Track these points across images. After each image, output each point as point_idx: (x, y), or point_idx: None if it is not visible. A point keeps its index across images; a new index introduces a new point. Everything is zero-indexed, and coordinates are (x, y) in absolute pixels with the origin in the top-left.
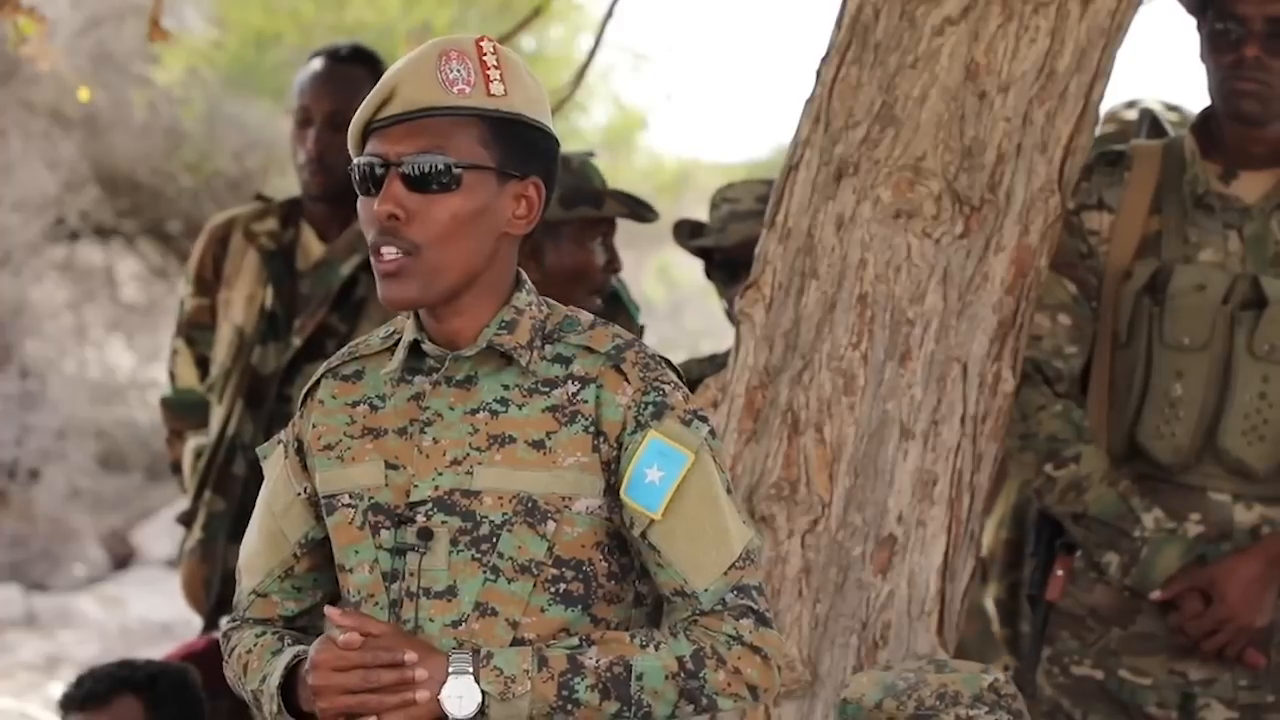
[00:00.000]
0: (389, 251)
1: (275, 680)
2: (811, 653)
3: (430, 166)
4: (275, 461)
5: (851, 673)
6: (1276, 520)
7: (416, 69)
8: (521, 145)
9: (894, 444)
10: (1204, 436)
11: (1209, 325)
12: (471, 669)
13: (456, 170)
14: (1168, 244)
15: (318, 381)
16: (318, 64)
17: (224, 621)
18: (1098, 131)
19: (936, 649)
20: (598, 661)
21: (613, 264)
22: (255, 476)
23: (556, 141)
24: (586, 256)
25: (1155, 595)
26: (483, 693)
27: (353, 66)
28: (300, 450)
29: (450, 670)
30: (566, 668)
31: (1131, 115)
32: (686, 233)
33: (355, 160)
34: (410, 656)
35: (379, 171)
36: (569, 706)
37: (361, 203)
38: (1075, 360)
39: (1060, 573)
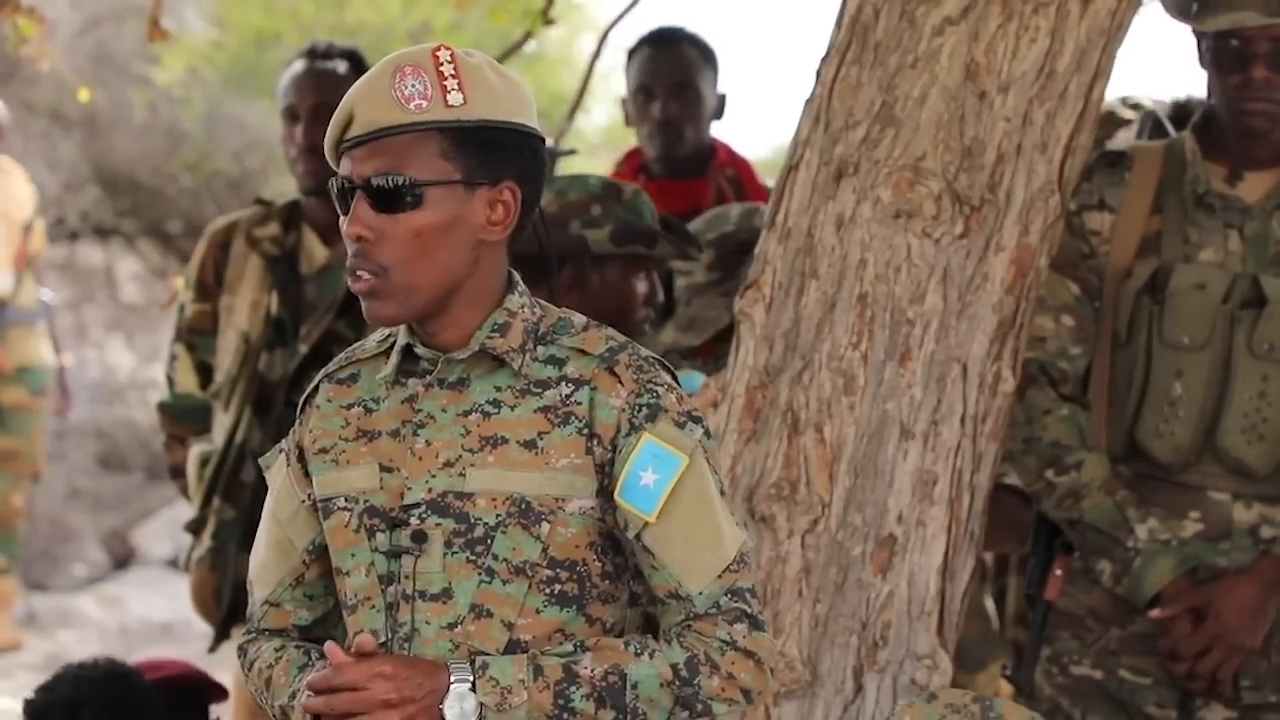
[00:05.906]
0: (362, 273)
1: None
2: (811, 653)
3: (391, 185)
4: (278, 470)
5: (851, 673)
6: (1276, 519)
7: (371, 89)
8: (488, 151)
9: (894, 444)
10: (1203, 435)
11: (1209, 324)
12: (471, 680)
13: (417, 188)
14: (1168, 243)
15: (316, 387)
16: (298, 64)
17: (236, 633)
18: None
19: (936, 649)
20: (593, 670)
21: (652, 297)
22: (264, 484)
23: (536, 138)
24: (630, 293)
25: (1155, 614)
26: (479, 704)
27: (332, 61)
28: (301, 457)
29: (451, 682)
30: (562, 677)
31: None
32: None
33: (331, 180)
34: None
35: (348, 192)
36: (565, 715)
37: (341, 221)
38: (1080, 361)
39: (1059, 572)
